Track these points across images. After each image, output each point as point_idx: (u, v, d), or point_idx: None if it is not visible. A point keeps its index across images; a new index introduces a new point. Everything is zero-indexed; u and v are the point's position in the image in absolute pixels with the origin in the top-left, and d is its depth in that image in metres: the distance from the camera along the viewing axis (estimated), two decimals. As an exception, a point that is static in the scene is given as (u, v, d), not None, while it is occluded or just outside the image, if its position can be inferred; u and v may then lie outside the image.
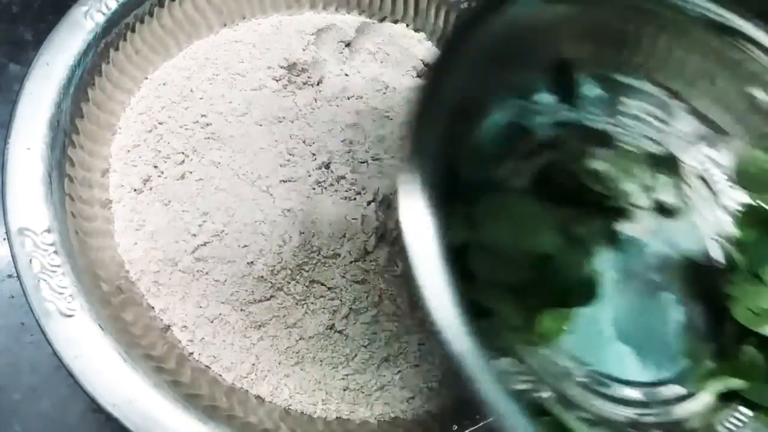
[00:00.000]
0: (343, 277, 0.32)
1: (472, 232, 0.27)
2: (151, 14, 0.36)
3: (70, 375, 0.28)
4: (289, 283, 0.32)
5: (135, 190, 0.34)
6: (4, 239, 0.30)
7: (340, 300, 0.32)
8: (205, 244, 0.32)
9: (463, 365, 0.21)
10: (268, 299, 0.32)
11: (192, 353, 0.32)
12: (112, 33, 0.35)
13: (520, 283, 0.28)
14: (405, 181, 0.21)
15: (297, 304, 0.32)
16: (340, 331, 0.32)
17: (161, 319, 0.32)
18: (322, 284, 0.32)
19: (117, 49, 0.35)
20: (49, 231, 0.30)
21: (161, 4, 0.37)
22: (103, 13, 0.34)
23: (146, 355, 0.30)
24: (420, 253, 0.21)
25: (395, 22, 0.42)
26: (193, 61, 0.37)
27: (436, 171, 0.22)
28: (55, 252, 0.29)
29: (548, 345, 0.28)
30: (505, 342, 0.27)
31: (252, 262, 0.32)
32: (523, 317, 0.27)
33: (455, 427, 0.31)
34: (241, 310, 0.32)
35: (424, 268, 0.21)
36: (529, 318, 0.28)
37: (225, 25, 0.40)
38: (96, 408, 0.28)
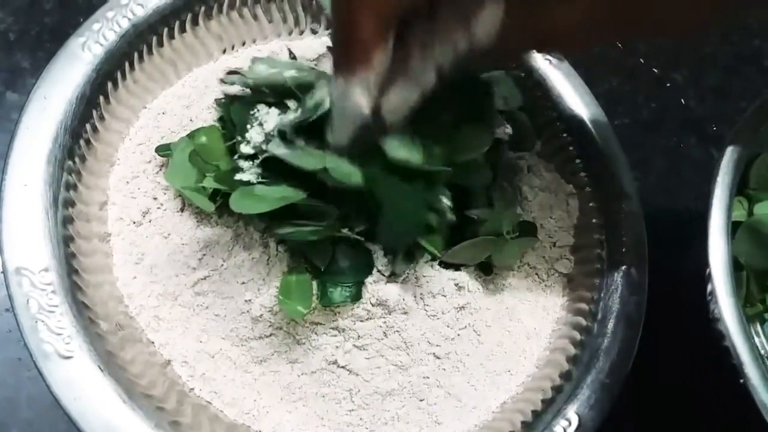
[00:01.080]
0: (345, 319, 0.31)
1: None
2: (149, 44, 0.36)
3: (69, 417, 0.28)
4: (288, 323, 0.31)
5: (134, 222, 0.33)
6: (1, 272, 0.30)
7: (344, 337, 0.31)
8: (205, 278, 0.32)
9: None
10: (269, 336, 0.31)
11: (193, 389, 0.32)
12: (111, 65, 0.34)
13: None
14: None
15: (298, 343, 0.31)
16: (343, 366, 0.32)
17: (161, 354, 0.32)
18: (324, 324, 0.31)
19: (115, 80, 0.35)
20: (46, 270, 0.29)
21: (159, 34, 0.36)
22: (101, 45, 0.34)
23: (146, 395, 0.29)
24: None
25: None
26: (192, 90, 0.37)
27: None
28: (53, 291, 0.29)
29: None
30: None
31: (249, 300, 0.31)
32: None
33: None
34: (242, 345, 0.32)
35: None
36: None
37: (225, 52, 0.39)
38: (95, 449, 0.27)
